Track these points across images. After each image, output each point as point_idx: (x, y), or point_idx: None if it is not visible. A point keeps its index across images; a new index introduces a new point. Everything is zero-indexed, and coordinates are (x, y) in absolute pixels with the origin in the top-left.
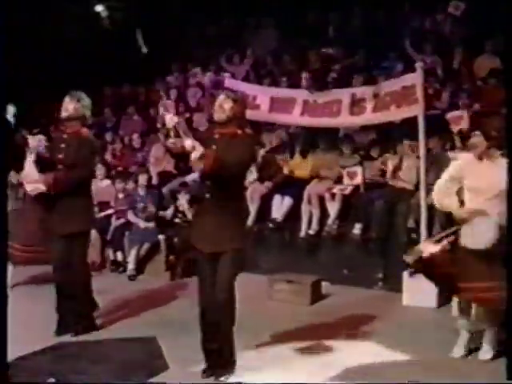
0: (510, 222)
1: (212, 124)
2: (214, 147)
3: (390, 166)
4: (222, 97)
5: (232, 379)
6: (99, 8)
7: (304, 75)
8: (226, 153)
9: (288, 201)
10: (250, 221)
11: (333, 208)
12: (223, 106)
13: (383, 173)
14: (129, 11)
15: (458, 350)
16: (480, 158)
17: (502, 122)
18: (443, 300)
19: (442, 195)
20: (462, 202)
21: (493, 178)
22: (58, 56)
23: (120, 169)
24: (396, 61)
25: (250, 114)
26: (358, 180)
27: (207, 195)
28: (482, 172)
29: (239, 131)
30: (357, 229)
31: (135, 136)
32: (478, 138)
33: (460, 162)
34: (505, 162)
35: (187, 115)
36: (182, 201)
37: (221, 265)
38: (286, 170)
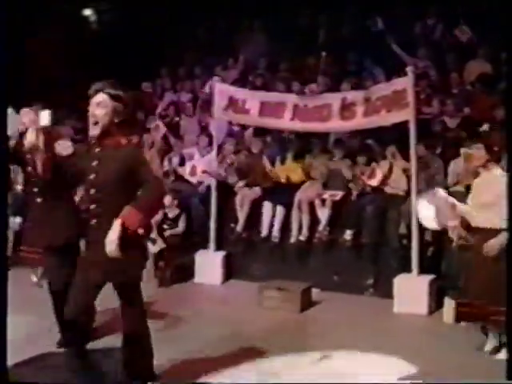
0: (510, 226)
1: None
2: (94, 163)
3: (378, 175)
4: (94, 100)
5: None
6: (87, 12)
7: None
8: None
9: (280, 211)
10: (239, 227)
11: (323, 214)
12: (95, 114)
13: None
14: (117, 14)
15: (489, 345)
16: (476, 172)
17: (502, 136)
18: (434, 307)
19: None
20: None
21: (494, 192)
22: (46, 59)
23: None
24: (386, 65)
25: (239, 118)
26: (378, 179)
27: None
28: (482, 187)
29: (123, 140)
30: (348, 235)
31: None
32: (479, 152)
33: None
34: (502, 175)
35: (176, 119)
36: (168, 203)
37: None
38: (275, 176)
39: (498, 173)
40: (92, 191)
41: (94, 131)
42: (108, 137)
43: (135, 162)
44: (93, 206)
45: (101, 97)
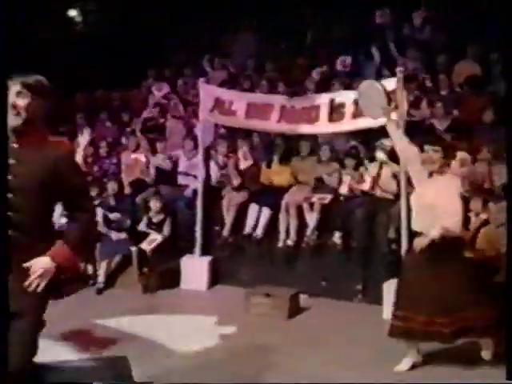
0: (509, 228)
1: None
2: (12, 161)
3: (368, 179)
4: (13, 90)
5: None
6: (73, 12)
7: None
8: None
9: (266, 212)
10: (225, 231)
11: (311, 218)
12: (17, 105)
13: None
14: (104, 15)
15: (406, 364)
16: (431, 174)
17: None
18: None
19: None
20: None
21: (443, 194)
22: (31, 59)
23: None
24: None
25: (225, 119)
26: (368, 183)
27: None
28: (431, 188)
29: (50, 138)
30: (337, 238)
31: (103, 143)
32: (436, 155)
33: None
34: (455, 179)
35: (162, 121)
36: (153, 207)
37: None
38: (263, 179)
39: (448, 178)
40: (8, 195)
41: (14, 122)
42: (31, 131)
43: (68, 168)
44: (10, 214)
45: (20, 87)
